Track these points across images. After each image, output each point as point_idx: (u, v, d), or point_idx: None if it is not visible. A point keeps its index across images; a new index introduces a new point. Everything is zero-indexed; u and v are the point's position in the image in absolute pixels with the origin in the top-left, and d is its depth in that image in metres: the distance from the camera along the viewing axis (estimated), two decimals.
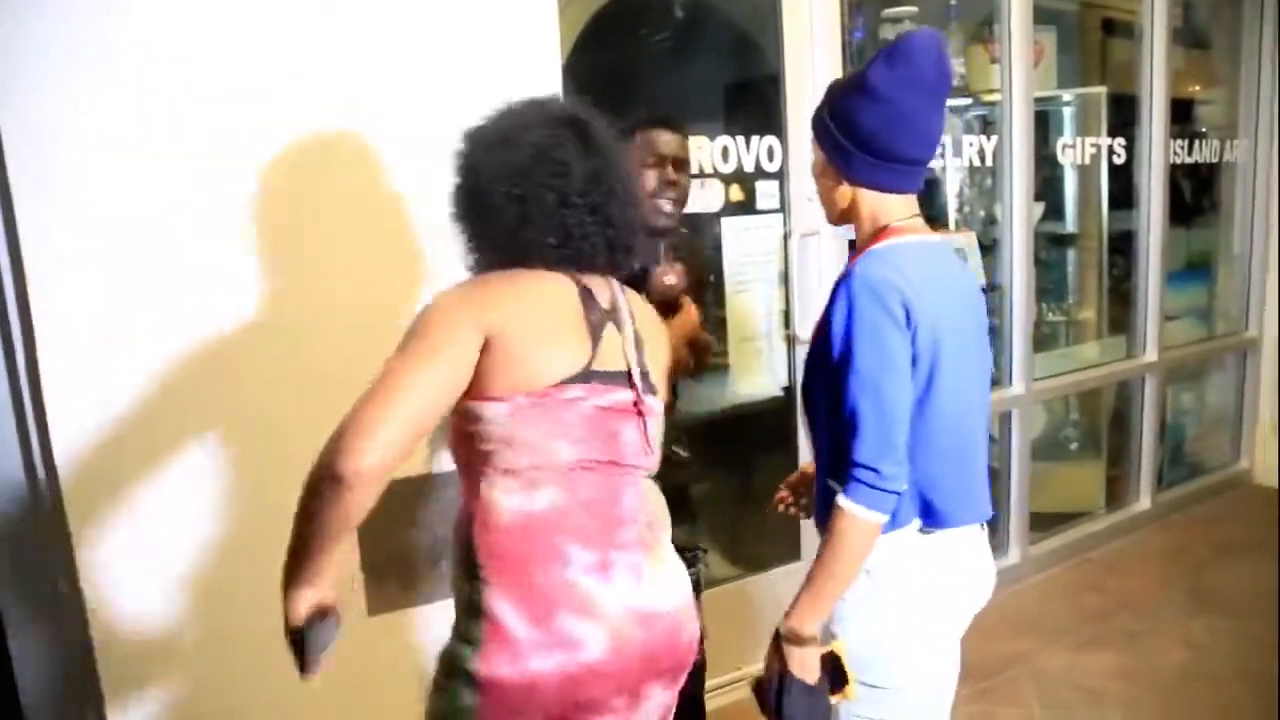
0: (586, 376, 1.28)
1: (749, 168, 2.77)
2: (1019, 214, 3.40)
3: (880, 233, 1.42)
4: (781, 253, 2.85)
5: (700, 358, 2.04)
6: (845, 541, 1.33)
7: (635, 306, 1.42)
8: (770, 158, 2.78)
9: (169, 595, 1.78)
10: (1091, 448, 4.18)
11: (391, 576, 1.98)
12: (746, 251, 2.80)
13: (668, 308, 2.08)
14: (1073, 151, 3.79)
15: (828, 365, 1.37)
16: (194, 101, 1.72)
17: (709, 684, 2.26)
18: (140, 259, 1.70)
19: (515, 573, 1.25)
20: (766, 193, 2.81)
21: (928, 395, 1.37)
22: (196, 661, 1.82)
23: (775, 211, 2.82)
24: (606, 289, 1.38)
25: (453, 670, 1.27)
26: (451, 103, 1.87)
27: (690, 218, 2.74)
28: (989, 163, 3.41)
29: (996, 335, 3.51)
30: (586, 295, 1.33)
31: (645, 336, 1.40)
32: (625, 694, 1.28)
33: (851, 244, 1.54)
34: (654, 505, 1.40)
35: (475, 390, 1.24)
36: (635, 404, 1.33)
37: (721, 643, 2.19)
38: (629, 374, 1.34)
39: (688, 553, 2.04)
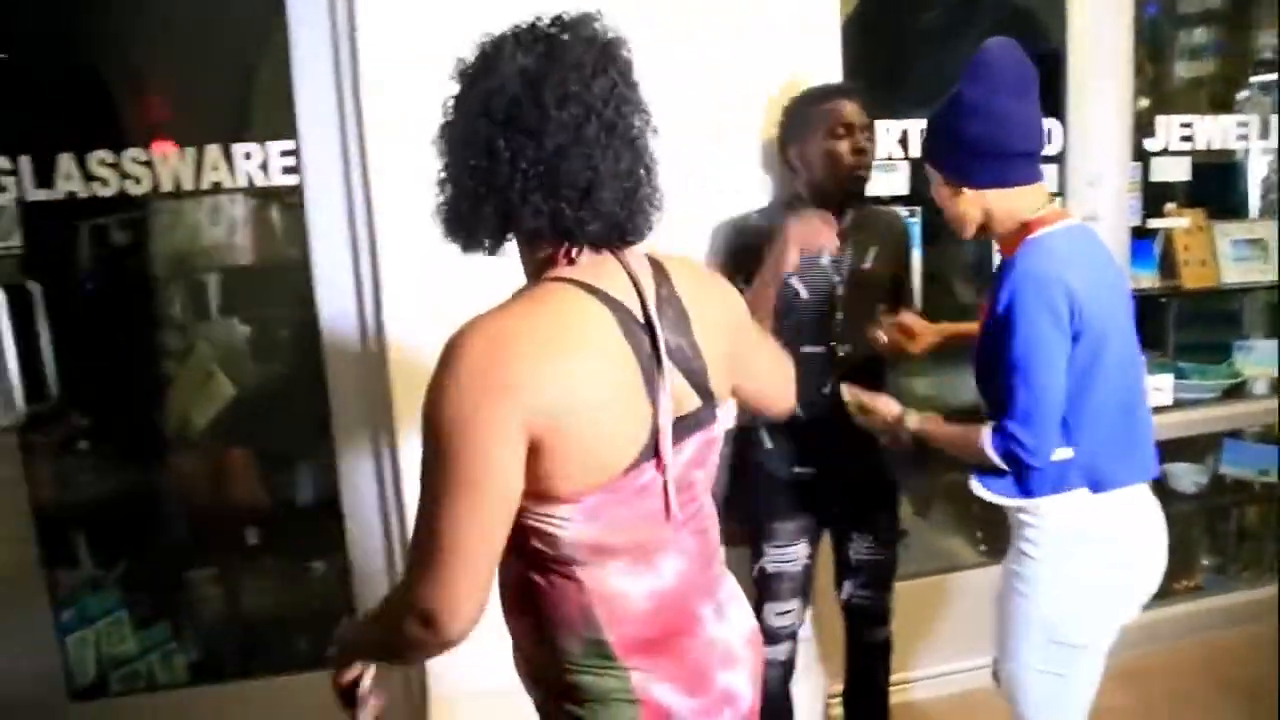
0: (655, 446, 1.03)
1: None
2: None
3: (1027, 226, 1.58)
4: None
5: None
6: (964, 446, 1.63)
7: (691, 305, 1.11)
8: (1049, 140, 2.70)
9: None
10: None
11: None
12: None
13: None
14: None
15: (994, 342, 1.56)
16: None
17: (896, 677, 2.31)
18: None
19: (666, 653, 1.11)
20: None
21: (1094, 368, 1.54)
22: None
23: (1053, 196, 2.73)
24: (631, 291, 1.06)
25: None
26: (732, 72, 2.13)
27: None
28: None
29: None
30: (625, 318, 1.03)
31: (710, 346, 1.12)
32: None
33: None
34: (715, 523, 1.22)
35: (530, 492, 1.00)
36: (703, 445, 1.12)
37: (916, 638, 2.24)
38: (697, 410, 1.10)
39: (886, 533, 2.13)
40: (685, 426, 1.08)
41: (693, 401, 1.09)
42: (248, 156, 2.10)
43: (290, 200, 2.24)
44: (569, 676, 1.11)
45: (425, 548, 0.98)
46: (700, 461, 1.13)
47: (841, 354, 1.99)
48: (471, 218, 1.03)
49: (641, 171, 1.04)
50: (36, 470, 2.20)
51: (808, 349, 1.94)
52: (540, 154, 0.97)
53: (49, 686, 2.20)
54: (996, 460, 1.58)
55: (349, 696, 1.23)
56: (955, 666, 2.67)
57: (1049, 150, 2.70)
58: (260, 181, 2.11)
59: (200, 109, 2.25)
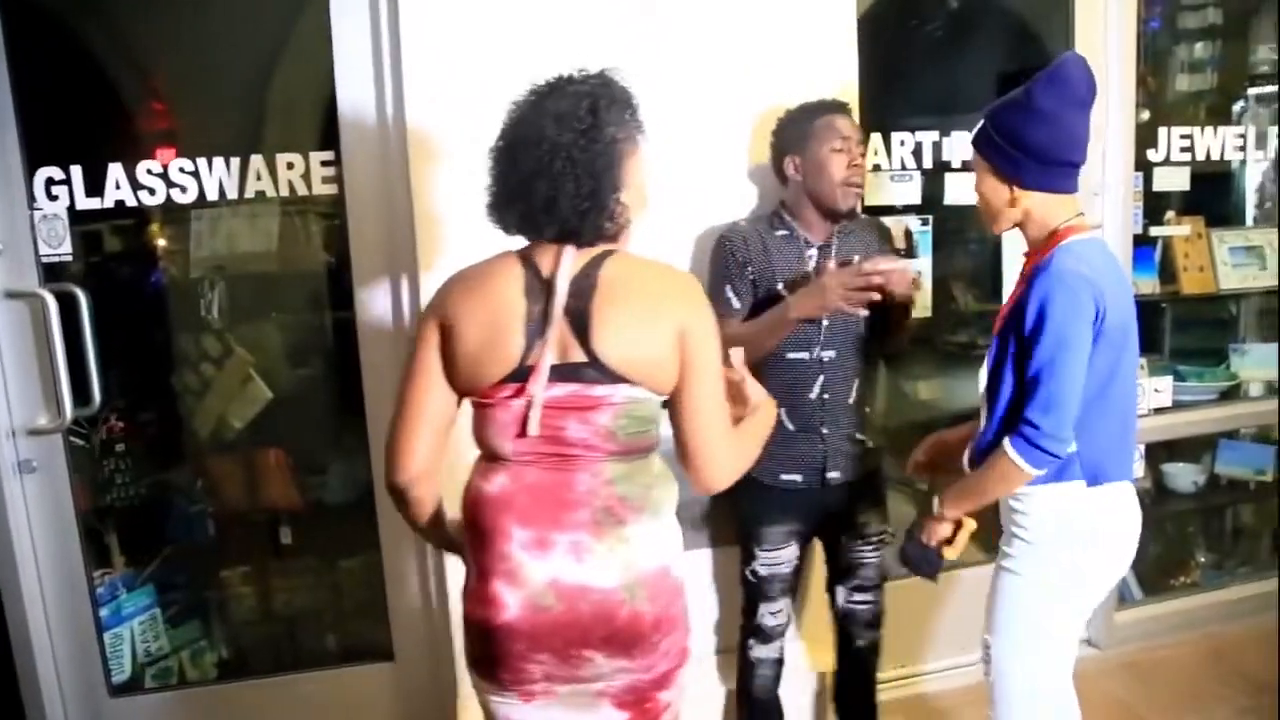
0: (519, 375, 1.37)
1: None
2: None
3: (1056, 232, 1.65)
4: None
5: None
6: (994, 478, 1.67)
7: (607, 284, 1.39)
8: None
9: None
10: None
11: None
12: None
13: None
14: None
15: (1017, 345, 1.63)
16: None
17: (908, 671, 2.36)
18: None
19: (474, 542, 1.45)
20: None
21: (1111, 370, 1.62)
22: None
23: None
24: (552, 266, 1.38)
25: None
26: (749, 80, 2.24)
27: (950, 210, 2.79)
28: None
29: None
30: (534, 281, 1.38)
31: (610, 317, 1.37)
32: (547, 652, 1.42)
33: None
34: (625, 489, 1.42)
35: (457, 391, 1.44)
36: (576, 397, 1.38)
37: (925, 633, 2.29)
38: (577, 365, 1.37)
39: (874, 536, 2.17)
40: (561, 372, 1.38)
41: (576, 354, 1.38)
42: (290, 166, 2.15)
43: (328, 207, 2.30)
44: None
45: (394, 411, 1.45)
46: (576, 409, 1.39)
47: (825, 359, 2.03)
48: (492, 217, 1.45)
49: (603, 193, 1.37)
50: (75, 472, 2.24)
51: (793, 355, 2.00)
52: (519, 177, 1.37)
53: (91, 682, 2.25)
54: (1024, 465, 1.60)
55: None
56: (961, 660, 2.76)
57: None
58: (301, 191, 2.17)
59: (247, 120, 2.30)
